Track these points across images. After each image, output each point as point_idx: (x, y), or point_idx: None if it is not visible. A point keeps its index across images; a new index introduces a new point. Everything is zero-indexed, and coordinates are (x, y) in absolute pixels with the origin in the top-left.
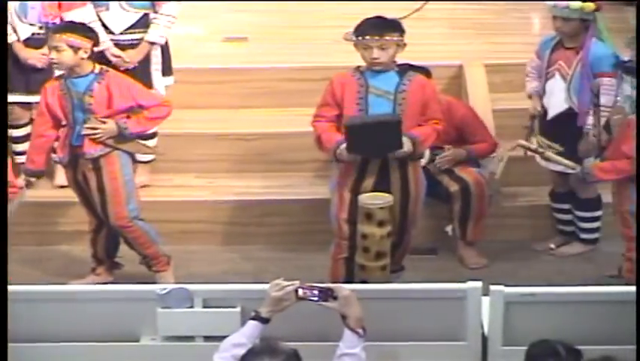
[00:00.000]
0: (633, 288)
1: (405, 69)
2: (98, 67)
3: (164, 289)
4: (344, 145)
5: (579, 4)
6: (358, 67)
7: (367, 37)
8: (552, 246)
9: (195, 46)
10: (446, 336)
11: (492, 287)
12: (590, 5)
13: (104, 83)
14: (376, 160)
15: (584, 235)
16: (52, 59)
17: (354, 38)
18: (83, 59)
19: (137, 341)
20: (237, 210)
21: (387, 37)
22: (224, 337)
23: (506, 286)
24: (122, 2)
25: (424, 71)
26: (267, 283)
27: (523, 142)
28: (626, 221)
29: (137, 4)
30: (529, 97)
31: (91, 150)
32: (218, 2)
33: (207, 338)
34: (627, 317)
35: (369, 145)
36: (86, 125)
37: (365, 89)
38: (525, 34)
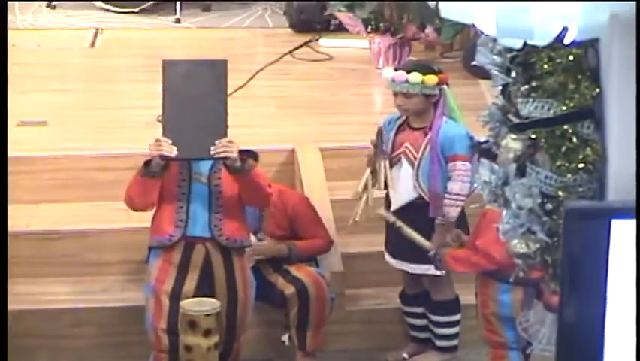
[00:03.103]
0: None
1: None
2: None
3: None
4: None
5: (420, 77)
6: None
7: None
8: (405, 356)
9: None
10: None
11: None
12: (433, 78)
13: None
14: (199, 257)
15: (440, 343)
16: None
17: None
18: None
19: None
20: (41, 321)
21: None
22: None
23: None
24: None
25: (251, 154)
26: None
27: (383, 212)
28: (492, 325)
29: None
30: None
31: None
32: (11, 79)
33: None
34: None
35: (188, 90)
36: None
37: (188, 171)
38: (364, 113)
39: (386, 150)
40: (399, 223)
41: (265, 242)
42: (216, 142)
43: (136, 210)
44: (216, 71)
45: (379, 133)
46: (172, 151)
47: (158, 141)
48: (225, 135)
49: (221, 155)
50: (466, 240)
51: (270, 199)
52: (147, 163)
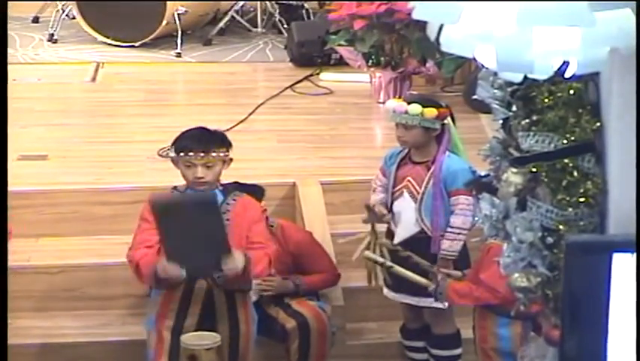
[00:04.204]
0: None
1: (230, 189)
2: None
3: None
4: (163, 259)
5: (419, 109)
6: (175, 187)
7: (191, 153)
8: None
9: None
10: None
11: None
12: (432, 111)
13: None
14: (201, 292)
15: None
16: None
17: (172, 155)
18: None
19: None
20: (43, 356)
21: (213, 154)
22: None
23: None
24: None
25: (257, 190)
26: None
27: (370, 255)
28: (491, 360)
29: None
30: (371, 208)
31: None
32: (12, 114)
33: None
34: None
35: (186, 234)
36: None
37: None
38: (366, 147)
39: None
40: (388, 263)
41: (274, 278)
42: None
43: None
44: (209, 210)
45: (368, 209)
46: (180, 276)
47: (165, 266)
48: (229, 254)
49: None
50: (468, 274)
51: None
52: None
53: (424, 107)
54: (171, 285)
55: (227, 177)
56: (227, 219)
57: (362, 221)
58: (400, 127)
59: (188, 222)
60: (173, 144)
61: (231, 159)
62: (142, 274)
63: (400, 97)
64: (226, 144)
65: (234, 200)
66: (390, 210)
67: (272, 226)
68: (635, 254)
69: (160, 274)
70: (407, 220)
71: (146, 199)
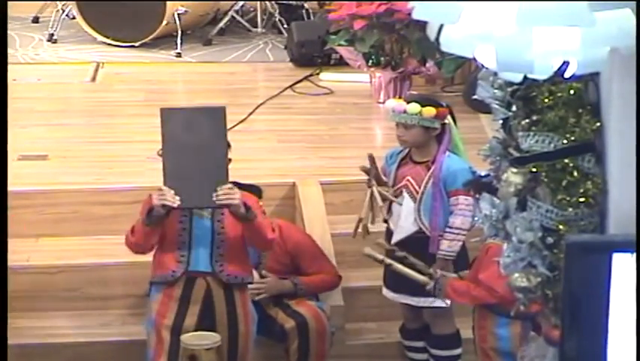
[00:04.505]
0: None
1: None
2: None
3: None
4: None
5: (417, 108)
6: None
7: None
8: None
9: None
10: None
11: None
12: (431, 110)
13: None
14: (200, 292)
15: None
16: None
17: None
18: None
19: None
20: (42, 356)
21: None
22: None
23: None
24: None
25: (254, 190)
26: None
27: (370, 251)
28: (491, 360)
29: None
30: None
31: None
32: (12, 114)
33: None
34: None
35: (188, 140)
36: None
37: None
38: (365, 147)
39: (384, 182)
40: (388, 261)
41: (268, 279)
42: (218, 189)
43: (136, 253)
44: (215, 118)
45: (371, 160)
46: (174, 201)
47: (160, 190)
48: (227, 182)
49: (224, 202)
50: (467, 274)
51: (272, 244)
52: (149, 211)
53: (422, 106)
54: (161, 219)
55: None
56: (222, 214)
57: (360, 168)
58: (399, 126)
59: (193, 138)
60: None
61: (230, 160)
62: (133, 231)
63: (399, 97)
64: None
65: None
66: (389, 209)
67: None
68: (635, 254)
69: (155, 201)
70: (406, 220)
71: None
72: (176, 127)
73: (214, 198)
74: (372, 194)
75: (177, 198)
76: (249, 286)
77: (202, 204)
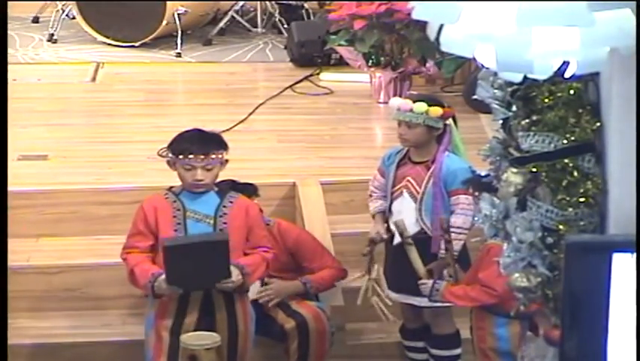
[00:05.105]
0: None
1: (225, 189)
2: None
3: None
4: (162, 277)
5: (424, 107)
6: (171, 188)
7: (191, 156)
8: None
9: None
10: None
11: None
12: (437, 110)
13: None
14: (199, 292)
15: None
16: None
17: (171, 156)
18: None
19: None
20: (42, 356)
21: (213, 156)
22: None
23: None
24: None
25: (250, 188)
26: None
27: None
28: (490, 360)
29: None
30: (373, 217)
31: None
32: (12, 114)
33: None
34: None
35: (191, 272)
36: None
37: (182, 213)
38: (366, 147)
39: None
40: (411, 240)
41: (273, 284)
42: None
43: None
44: (218, 250)
45: (372, 243)
46: (176, 294)
47: (162, 288)
48: (229, 276)
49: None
50: (467, 273)
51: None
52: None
53: (429, 105)
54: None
55: (227, 177)
56: (225, 223)
57: (362, 254)
58: (402, 125)
59: (196, 262)
60: (170, 145)
61: (227, 161)
62: (137, 282)
63: (401, 97)
64: (223, 146)
65: (231, 202)
66: (389, 210)
67: (269, 225)
68: (635, 254)
69: (157, 290)
70: (407, 220)
71: (141, 201)
72: (180, 261)
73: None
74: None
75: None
76: (257, 293)
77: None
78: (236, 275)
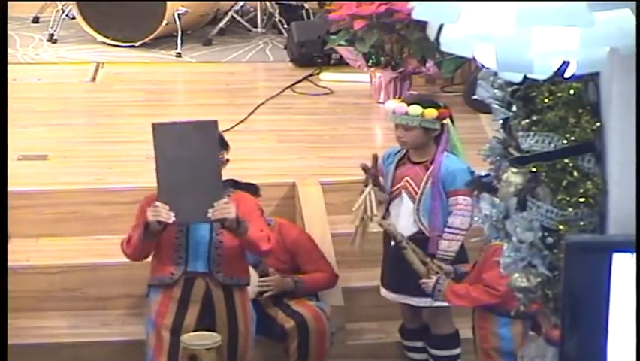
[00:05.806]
0: None
1: (225, 185)
2: None
3: None
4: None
5: (419, 110)
6: None
7: None
8: None
9: None
10: None
11: None
12: (432, 112)
13: None
14: (199, 293)
15: None
16: None
17: None
18: None
19: None
20: (42, 356)
21: None
22: None
23: None
24: None
25: (252, 188)
26: None
27: (382, 222)
28: (492, 360)
29: None
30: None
31: None
32: (12, 114)
33: None
34: None
35: (181, 160)
36: None
37: None
38: (365, 147)
39: (381, 185)
40: (400, 238)
41: (274, 277)
42: (214, 204)
43: (132, 261)
44: (206, 132)
45: (374, 160)
46: (169, 218)
47: (156, 207)
48: (222, 196)
49: (219, 217)
50: (470, 275)
51: (268, 253)
52: (145, 226)
53: (424, 107)
54: (157, 234)
55: (227, 177)
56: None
57: (360, 165)
58: (399, 128)
59: (185, 153)
60: None
61: (228, 160)
62: (131, 238)
63: (399, 97)
64: (224, 145)
65: (229, 196)
66: (387, 210)
67: (270, 225)
68: (635, 254)
69: (150, 218)
70: (405, 221)
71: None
72: (168, 142)
73: (209, 214)
74: (367, 194)
75: (172, 214)
76: (257, 283)
77: (197, 219)
78: (233, 209)
